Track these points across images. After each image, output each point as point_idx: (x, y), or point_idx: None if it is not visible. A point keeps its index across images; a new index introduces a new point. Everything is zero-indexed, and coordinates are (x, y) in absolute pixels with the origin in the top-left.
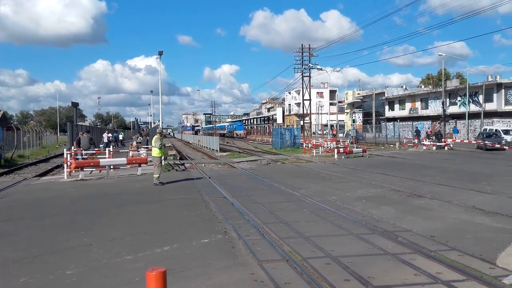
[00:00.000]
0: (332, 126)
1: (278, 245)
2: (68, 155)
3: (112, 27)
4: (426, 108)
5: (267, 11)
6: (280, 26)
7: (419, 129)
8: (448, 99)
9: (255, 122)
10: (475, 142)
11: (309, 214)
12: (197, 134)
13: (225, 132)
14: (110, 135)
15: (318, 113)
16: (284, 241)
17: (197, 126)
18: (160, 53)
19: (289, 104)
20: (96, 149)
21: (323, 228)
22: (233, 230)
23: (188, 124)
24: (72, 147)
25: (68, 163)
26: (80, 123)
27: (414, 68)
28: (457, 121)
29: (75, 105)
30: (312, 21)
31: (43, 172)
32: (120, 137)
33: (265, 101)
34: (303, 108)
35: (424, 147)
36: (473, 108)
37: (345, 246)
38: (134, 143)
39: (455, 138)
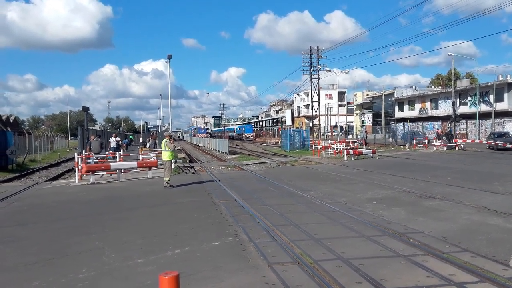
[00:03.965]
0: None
1: (288, 248)
2: (79, 159)
3: (118, 31)
4: (436, 108)
5: (270, 13)
6: (284, 28)
7: (394, 129)
8: (458, 99)
9: (264, 124)
10: (486, 142)
11: (320, 216)
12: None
13: (234, 134)
14: (118, 139)
15: (327, 115)
16: (294, 244)
17: (207, 128)
18: (169, 57)
19: (298, 106)
20: (106, 153)
21: (333, 230)
22: (243, 233)
23: (202, 126)
24: (84, 151)
25: (79, 167)
26: (91, 127)
27: (421, 69)
28: (468, 121)
29: (85, 109)
30: (316, 23)
31: (54, 176)
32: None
33: (274, 103)
34: (312, 109)
35: (435, 148)
36: (484, 108)
37: (356, 248)
38: (148, 145)
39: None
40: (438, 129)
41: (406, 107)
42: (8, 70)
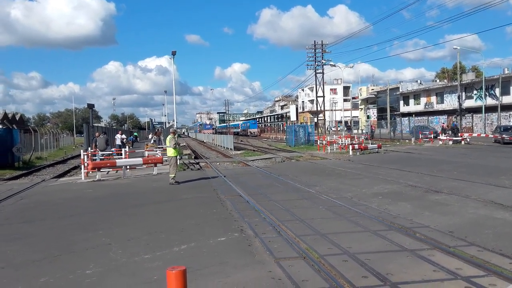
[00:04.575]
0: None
1: (294, 243)
2: (85, 156)
3: (121, 28)
4: (442, 102)
5: (274, 8)
6: (287, 23)
7: (395, 125)
8: (464, 93)
9: (268, 120)
10: (492, 136)
11: (325, 211)
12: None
13: (239, 130)
14: (124, 136)
15: (332, 110)
16: (300, 239)
17: (213, 124)
18: (174, 53)
19: (303, 101)
20: (112, 149)
21: (339, 225)
22: (249, 228)
23: (208, 122)
24: (89, 148)
25: (85, 164)
26: (96, 125)
27: (426, 62)
28: (474, 115)
29: (91, 106)
30: (319, 17)
31: (61, 174)
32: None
33: (278, 98)
34: (316, 105)
35: (441, 142)
36: (490, 101)
37: (362, 243)
38: (152, 141)
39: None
40: (443, 123)
41: (411, 101)
42: (13, 68)
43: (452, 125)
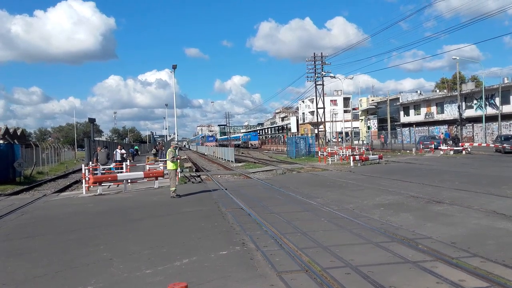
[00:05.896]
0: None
1: (296, 256)
2: (86, 171)
3: (121, 43)
4: (442, 112)
5: (272, 21)
6: (286, 36)
7: (386, 135)
8: (464, 103)
9: (269, 132)
10: (493, 145)
11: (327, 223)
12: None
13: (239, 142)
14: (124, 151)
15: (332, 121)
16: (302, 251)
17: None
18: (174, 67)
19: (303, 113)
20: (112, 164)
21: (341, 237)
22: (251, 241)
23: (210, 134)
24: (90, 163)
25: (87, 179)
26: (97, 139)
27: (425, 73)
28: (474, 124)
29: (92, 121)
30: (317, 30)
31: (62, 188)
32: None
33: (278, 110)
34: (317, 116)
35: (441, 152)
36: (490, 111)
37: (364, 255)
38: (152, 155)
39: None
40: (442, 133)
41: (411, 111)
42: (14, 83)
43: (446, 135)
